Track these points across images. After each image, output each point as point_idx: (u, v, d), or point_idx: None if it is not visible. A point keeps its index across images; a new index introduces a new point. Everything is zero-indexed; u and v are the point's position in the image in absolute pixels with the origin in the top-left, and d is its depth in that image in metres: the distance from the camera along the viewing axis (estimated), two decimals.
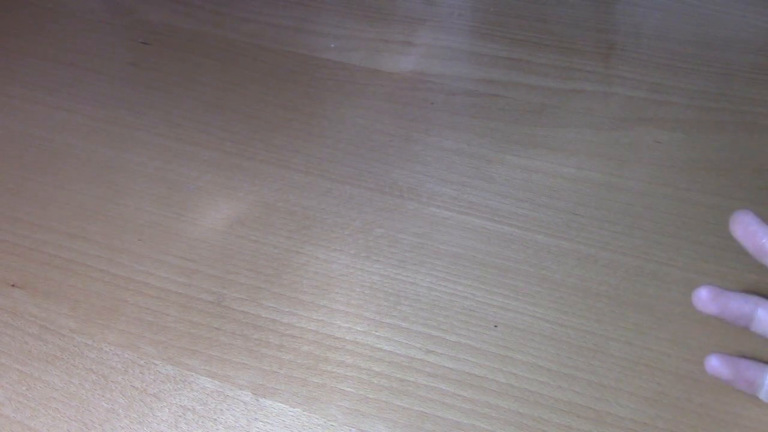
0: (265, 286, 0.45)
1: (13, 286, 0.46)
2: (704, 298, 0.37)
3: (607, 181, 0.51)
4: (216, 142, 0.55)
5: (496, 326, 0.43)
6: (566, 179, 0.52)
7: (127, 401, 0.40)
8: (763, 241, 0.37)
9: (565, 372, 0.40)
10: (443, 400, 0.39)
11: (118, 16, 0.71)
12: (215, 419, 0.39)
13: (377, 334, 0.43)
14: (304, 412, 0.39)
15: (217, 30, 0.68)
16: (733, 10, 0.67)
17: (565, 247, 0.47)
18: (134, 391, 0.40)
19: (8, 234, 0.49)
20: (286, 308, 0.44)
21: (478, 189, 0.51)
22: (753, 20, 0.66)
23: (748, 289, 0.44)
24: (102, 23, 0.70)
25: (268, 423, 0.39)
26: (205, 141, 0.56)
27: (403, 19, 0.68)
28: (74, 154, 0.55)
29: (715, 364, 0.37)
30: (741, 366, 0.37)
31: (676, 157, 0.53)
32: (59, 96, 0.60)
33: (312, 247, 0.47)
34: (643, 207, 0.49)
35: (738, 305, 0.37)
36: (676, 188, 0.51)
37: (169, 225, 0.49)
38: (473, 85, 0.60)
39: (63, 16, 0.71)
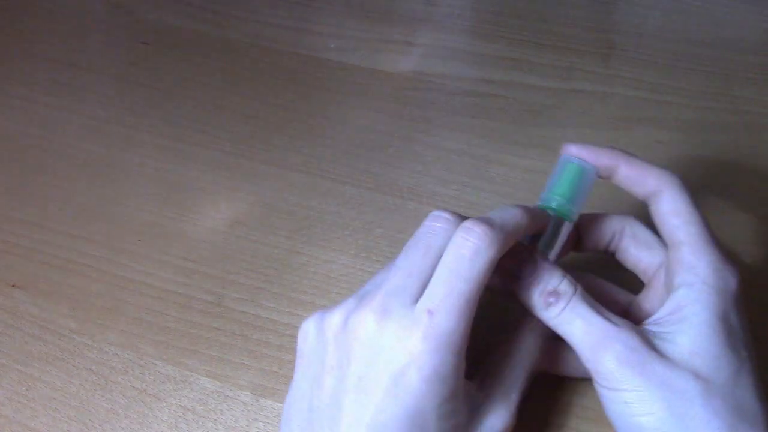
0: (265, 286, 0.45)
1: (13, 286, 0.46)
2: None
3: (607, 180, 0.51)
4: (216, 142, 0.55)
5: None
6: None
7: (127, 401, 0.40)
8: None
9: None
10: None
11: (118, 16, 0.71)
12: (215, 419, 0.39)
13: None
14: None
15: (217, 30, 0.68)
16: (733, 10, 0.67)
17: None
18: (134, 391, 0.40)
19: (8, 234, 0.49)
20: (286, 308, 0.44)
21: (478, 189, 0.51)
22: (753, 20, 0.66)
23: (747, 290, 0.44)
24: (102, 23, 0.70)
25: (268, 423, 0.39)
26: (205, 141, 0.55)
27: (403, 19, 0.68)
28: (74, 154, 0.55)
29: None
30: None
31: (676, 157, 0.53)
32: (59, 96, 0.60)
33: (312, 247, 0.47)
34: (643, 207, 0.49)
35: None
36: None
37: (169, 225, 0.49)
38: (473, 85, 0.60)
39: (63, 16, 0.71)
